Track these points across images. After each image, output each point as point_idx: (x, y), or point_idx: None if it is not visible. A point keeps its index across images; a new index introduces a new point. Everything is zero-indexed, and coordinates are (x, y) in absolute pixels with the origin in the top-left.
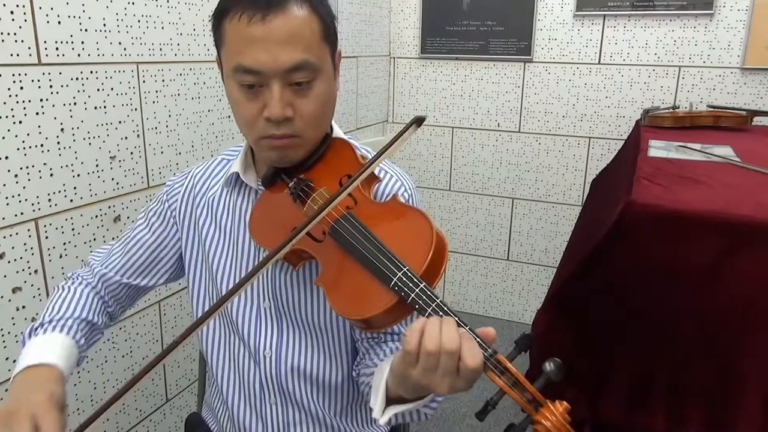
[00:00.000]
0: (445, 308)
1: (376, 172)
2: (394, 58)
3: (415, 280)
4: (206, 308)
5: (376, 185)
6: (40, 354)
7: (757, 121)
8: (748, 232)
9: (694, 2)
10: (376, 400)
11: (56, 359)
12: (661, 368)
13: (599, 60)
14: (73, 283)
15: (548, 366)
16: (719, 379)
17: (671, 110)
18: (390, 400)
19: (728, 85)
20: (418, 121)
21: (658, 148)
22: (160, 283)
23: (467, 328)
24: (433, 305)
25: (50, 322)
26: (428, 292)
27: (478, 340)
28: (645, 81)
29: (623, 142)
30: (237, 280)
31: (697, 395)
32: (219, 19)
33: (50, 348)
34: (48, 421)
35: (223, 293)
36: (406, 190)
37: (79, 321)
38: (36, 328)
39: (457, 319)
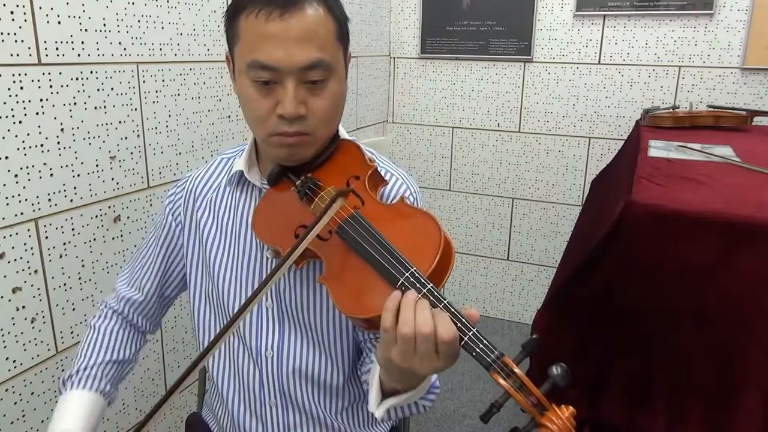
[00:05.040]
0: (453, 309)
1: (382, 174)
2: (394, 58)
3: (423, 280)
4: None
5: (383, 188)
6: (64, 421)
7: (757, 121)
8: (748, 232)
9: (694, 2)
10: (372, 394)
11: (75, 425)
12: (661, 368)
13: (599, 60)
14: (100, 319)
15: (555, 370)
16: (719, 379)
17: (671, 110)
18: (385, 394)
19: (728, 85)
20: (343, 194)
21: (658, 148)
22: (175, 293)
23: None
24: (440, 306)
25: (77, 373)
26: (435, 294)
27: (464, 320)
28: (645, 81)
29: (623, 142)
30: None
31: (697, 395)
32: (234, 15)
33: (75, 413)
34: None
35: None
36: (411, 193)
37: (104, 365)
38: (67, 379)
39: (465, 320)
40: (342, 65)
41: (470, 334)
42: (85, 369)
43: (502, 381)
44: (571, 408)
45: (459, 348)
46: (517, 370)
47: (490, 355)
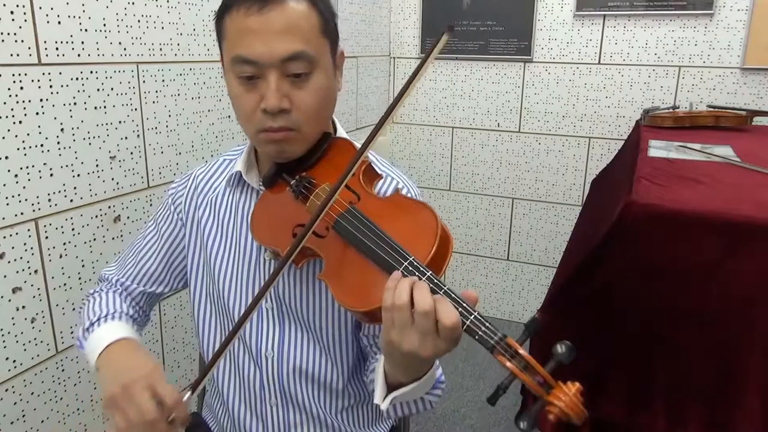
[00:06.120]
0: (453, 295)
1: (378, 172)
2: (394, 58)
3: (422, 269)
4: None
5: (378, 183)
6: (112, 334)
7: (757, 121)
8: (748, 232)
9: (694, 2)
10: (377, 388)
11: (130, 334)
12: (661, 368)
13: (599, 60)
14: (99, 292)
15: (559, 348)
16: (719, 379)
17: (671, 110)
18: (391, 388)
19: (728, 85)
20: (450, 29)
21: (658, 148)
22: (177, 288)
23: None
24: (441, 293)
25: (99, 320)
26: (435, 281)
27: (465, 304)
28: (645, 81)
29: (623, 142)
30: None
31: (697, 395)
32: (221, 15)
33: (118, 329)
34: (165, 388)
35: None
36: (408, 191)
37: (123, 314)
38: (88, 329)
39: (466, 304)
40: (328, 60)
41: (472, 317)
42: (106, 315)
43: (506, 362)
44: (577, 384)
45: (461, 331)
46: (521, 350)
47: (493, 337)
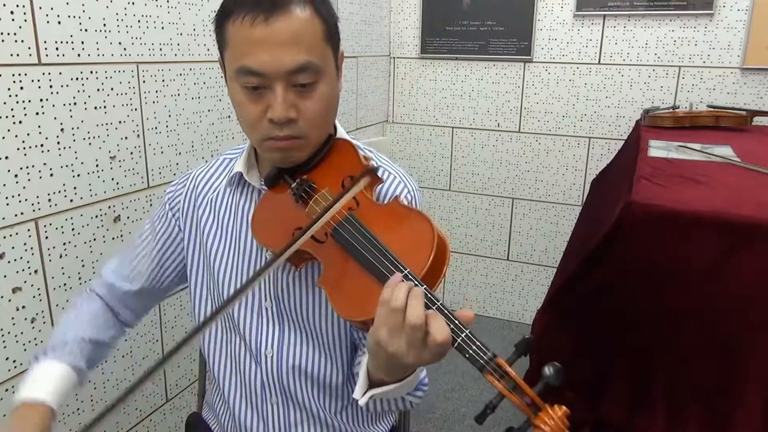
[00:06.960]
0: (446, 311)
1: (379, 173)
2: (394, 58)
3: (416, 282)
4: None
5: (379, 186)
6: (34, 389)
7: (757, 121)
8: (748, 232)
9: (694, 2)
10: (358, 382)
11: (46, 395)
12: (661, 368)
13: (599, 60)
14: (83, 299)
15: (547, 370)
16: (719, 379)
17: (671, 110)
18: (372, 384)
19: (728, 85)
20: (370, 172)
21: (658, 148)
22: (167, 287)
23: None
24: (434, 308)
25: (53, 348)
26: (429, 295)
27: (457, 321)
28: (645, 81)
29: (623, 142)
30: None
31: (697, 395)
32: (222, 20)
33: (44, 382)
34: None
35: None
36: (409, 192)
37: (82, 342)
38: (44, 351)
39: (459, 322)
40: (332, 66)
41: (463, 335)
42: (63, 344)
43: (495, 382)
44: (564, 408)
45: (450, 347)
46: (510, 371)
47: (483, 356)
